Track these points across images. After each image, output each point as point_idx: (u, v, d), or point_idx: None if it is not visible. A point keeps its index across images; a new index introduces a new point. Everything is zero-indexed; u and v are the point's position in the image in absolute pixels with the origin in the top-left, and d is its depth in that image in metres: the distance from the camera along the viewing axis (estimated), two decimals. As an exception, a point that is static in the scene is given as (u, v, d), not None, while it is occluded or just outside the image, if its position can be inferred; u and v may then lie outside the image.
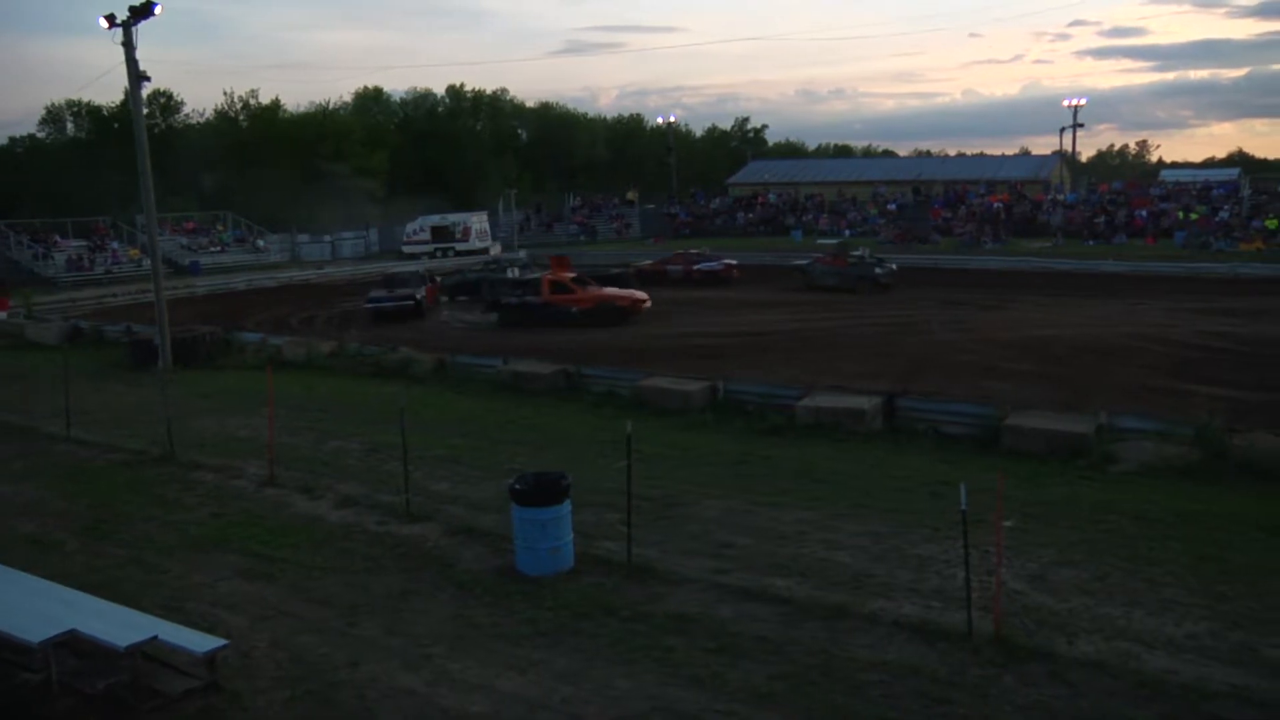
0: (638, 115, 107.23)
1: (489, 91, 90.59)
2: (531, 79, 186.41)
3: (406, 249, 55.67)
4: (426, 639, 8.36)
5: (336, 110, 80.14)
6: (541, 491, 9.59)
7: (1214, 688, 7.22)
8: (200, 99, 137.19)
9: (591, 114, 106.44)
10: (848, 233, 55.17)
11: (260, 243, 57.20)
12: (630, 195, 70.53)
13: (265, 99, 72.27)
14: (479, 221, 57.75)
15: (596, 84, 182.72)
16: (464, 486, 12.69)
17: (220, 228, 58.22)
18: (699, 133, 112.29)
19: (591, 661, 7.86)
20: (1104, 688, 7.27)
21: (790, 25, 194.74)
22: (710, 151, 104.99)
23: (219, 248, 55.40)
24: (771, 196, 67.56)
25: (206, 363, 23.09)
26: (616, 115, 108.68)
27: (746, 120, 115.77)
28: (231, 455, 14.51)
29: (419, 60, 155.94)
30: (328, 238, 59.20)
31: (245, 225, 58.58)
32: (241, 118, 71.98)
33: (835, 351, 22.82)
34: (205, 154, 62.39)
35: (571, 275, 30.22)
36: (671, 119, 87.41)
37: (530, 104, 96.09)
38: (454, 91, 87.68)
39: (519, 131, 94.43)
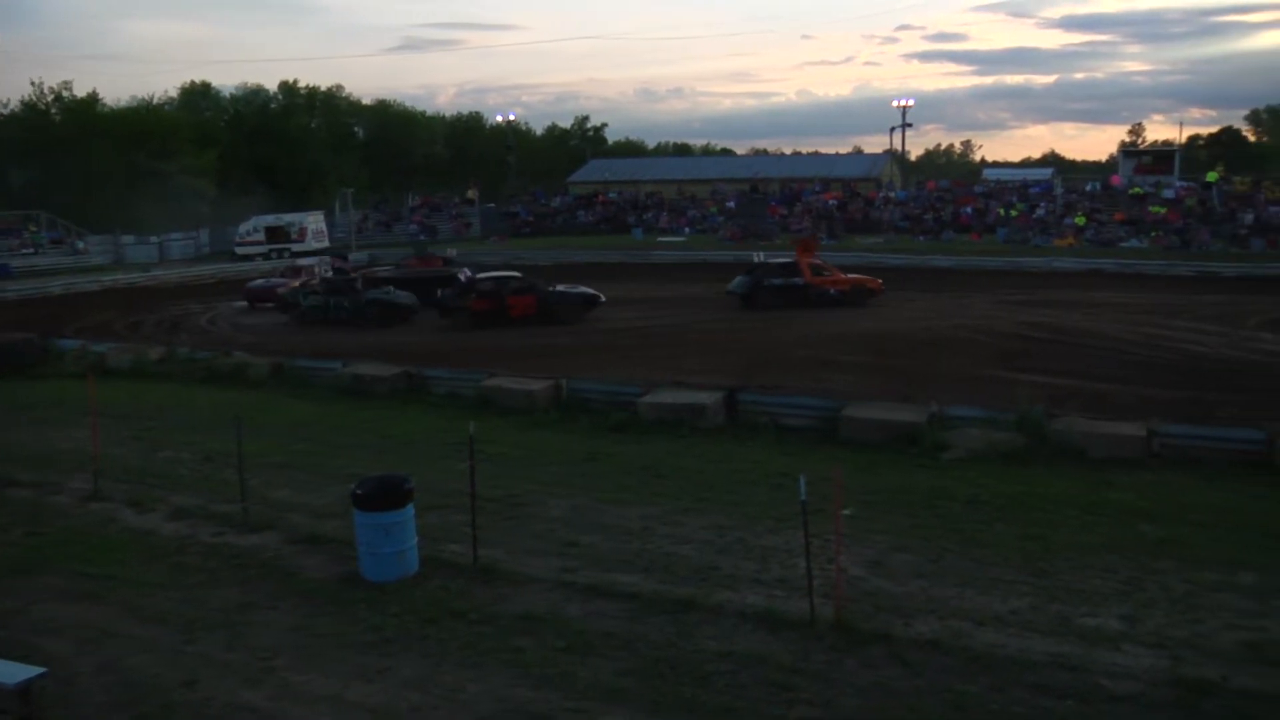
0: (477, 114, 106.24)
1: (324, 88, 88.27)
2: (368, 76, 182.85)
3: (240, 250, 53.73)
4: (268, 652, 8.10)
5: (161, 105, 76.72)
6: (384, 495, 9.42)
7: (1035, 658, 7.65)
8: (1, 89, 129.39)
9: (430, 112, 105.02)
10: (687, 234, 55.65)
11: (80, 244, 53.96)
12: (470, 194, 69.70)
13: (80, 91, 68.28)
14: (315, 221, 56.21)
15: (435, 82, 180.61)
16: (304, 493, 12.35)
17: (33, 228, 54.83)
18: (539, 131, 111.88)
19: (440, 666, 7.76)
20: (939, 665, 7.60)
21: (628, 24, 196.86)
22: (551, 150, 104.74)
23: (32, 249, 52.21)
24: (612, 195, 67.88)
25: (21, 372, 21.75)
26: (456, 113, 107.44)
27: (586, 119, 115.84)
28: (50, 469, 13.68)
29: (248, 54, 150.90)
30: (155, 239, 56.43)
31: (62, 226, 55.36)
32: (54, 111, 67.82)
33: (678, 348, 23.14)
34: (10, 148, 58.65)
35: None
36: (511, 117, 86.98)
37: (367, 101, 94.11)
38: (287, 88, 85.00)
39: (356, 130, 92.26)
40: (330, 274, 33.39)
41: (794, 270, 31.11)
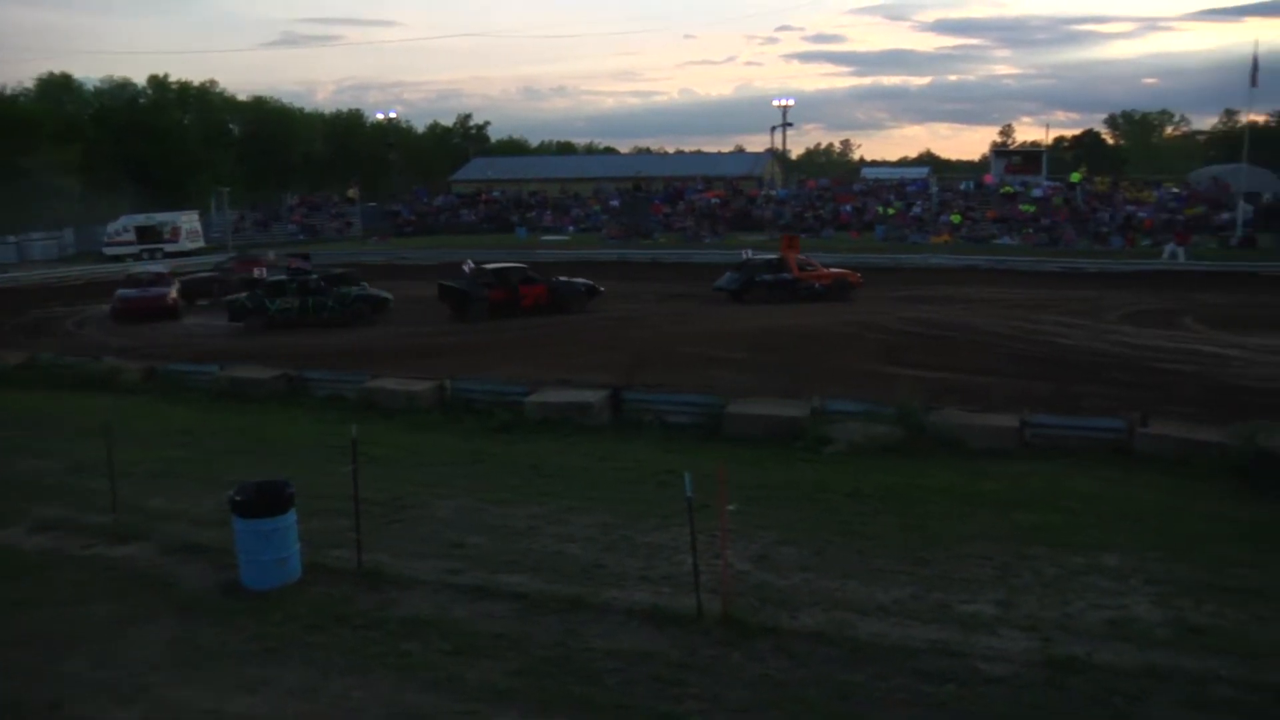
0: (357, 111, 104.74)
1: (197, 83, 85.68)
2: (244, 71, 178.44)
3: (109, 250, 51.77)
4: (143, 667, 7.81)
5: (16, 97, 73.40)
6: (264, 501, 9.18)
7: (916, 645, 7.85)
8: None
9: (309, 109, 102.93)
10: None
11: (-73, 244, 51.44)
12: (351, 193, 68.53)
13: (-81, 79, 64.67)
14: (189, 221, 54.55)
15: (313, 78, 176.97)
16: (181, 501, 11.96)
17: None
18: (421, 129, 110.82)
19: (325, 674, 7.61)
20: (824, 655, 7.74)
21: (511, 22, 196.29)
22: (433, 148, 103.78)
23: (-128, 250, 49.41)
24: (496, 194, 67.48)
25: None
26: (336, 111, 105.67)
27: (469, 117, 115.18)
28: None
29: (112, 46, 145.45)
30: (13, 239, 54.00)
31: (-93, 225, 52.51)
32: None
33: (562, 347, 23.11)
34: None
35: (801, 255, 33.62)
36: (392, 115, 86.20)
37: (243, 98, 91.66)
38: (157, 82, 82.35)
39: (231, 127, 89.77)
40: (265, 277, 31.30)
41: (782, 266, 32.35)
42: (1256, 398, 16.83)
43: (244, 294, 29.31)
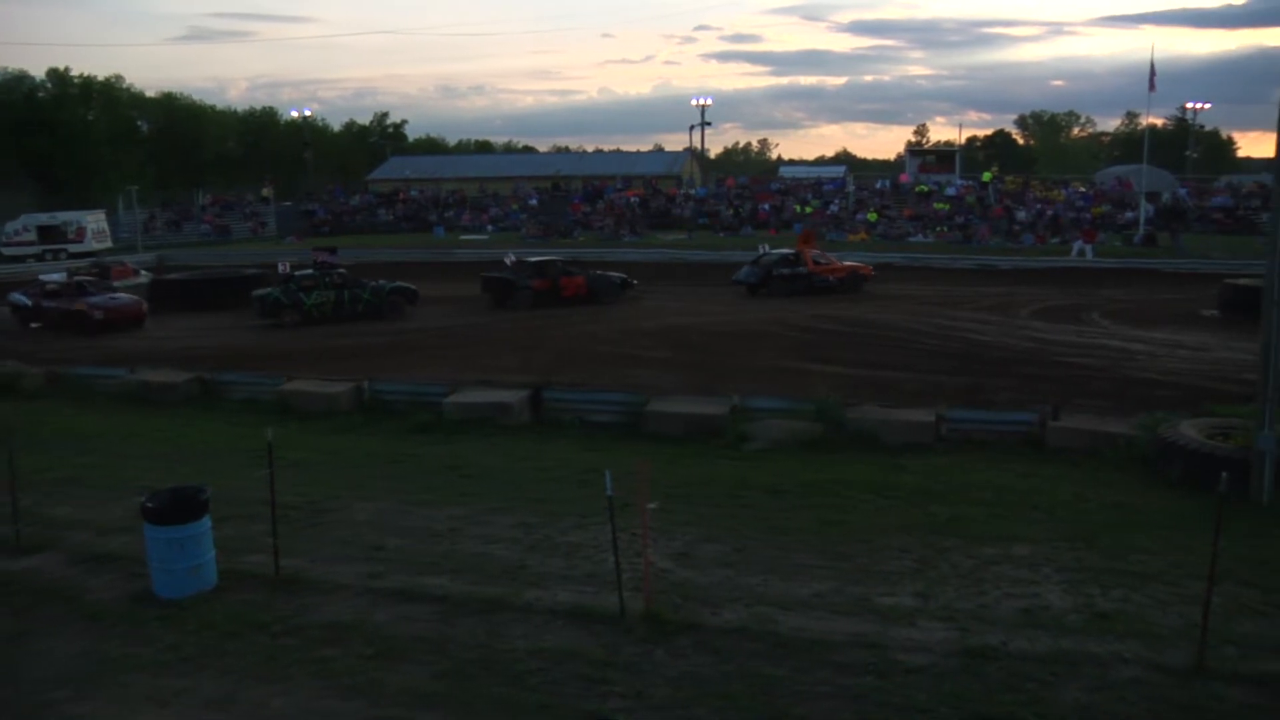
0: (271, 109, 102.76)
1: (101, 78, 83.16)
2: (150, 67, 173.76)
3: (8, 250, 50.02)
4: (48, 683, 7.54)
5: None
6: (178, 508, 8.97)
7: (837, 638, 7.96)
8: None
9: (221, 106, 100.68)
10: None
11: None
12: (265, 192, 67.21)
13: None
14: (95, 221, 52.87)
15: (225, 75, 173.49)
16: (89, 509, 11.61)
17: None
18: (337, 127, 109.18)
19: (242, 683, 7.46)
20: (746, 651, 7.81)
21: (427, 19, 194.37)
22: (349, 147, 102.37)
23: None
24: (414, 193, 66.77)
25: None
26: (249, 108, 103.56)
27: (386, 115, 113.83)
28: None
29: (4, 36, 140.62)
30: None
31: None
32: None
33: (482, 347, 22.97)
34: None
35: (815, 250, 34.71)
36: (307, 113, 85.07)
37: (151, 94, 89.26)
38: (57, 75, 79.54)
39: (139, 123, 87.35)
40: (290, 272, 29.92)
41: (798, 261, 33.30)
42: (1159, 390, 17.38)
43: (276, 289, 28.52)
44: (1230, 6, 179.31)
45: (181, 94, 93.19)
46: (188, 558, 8.94)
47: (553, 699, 7.16)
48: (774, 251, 34.93)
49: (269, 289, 28.81)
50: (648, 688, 7.28)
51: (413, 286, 30.10)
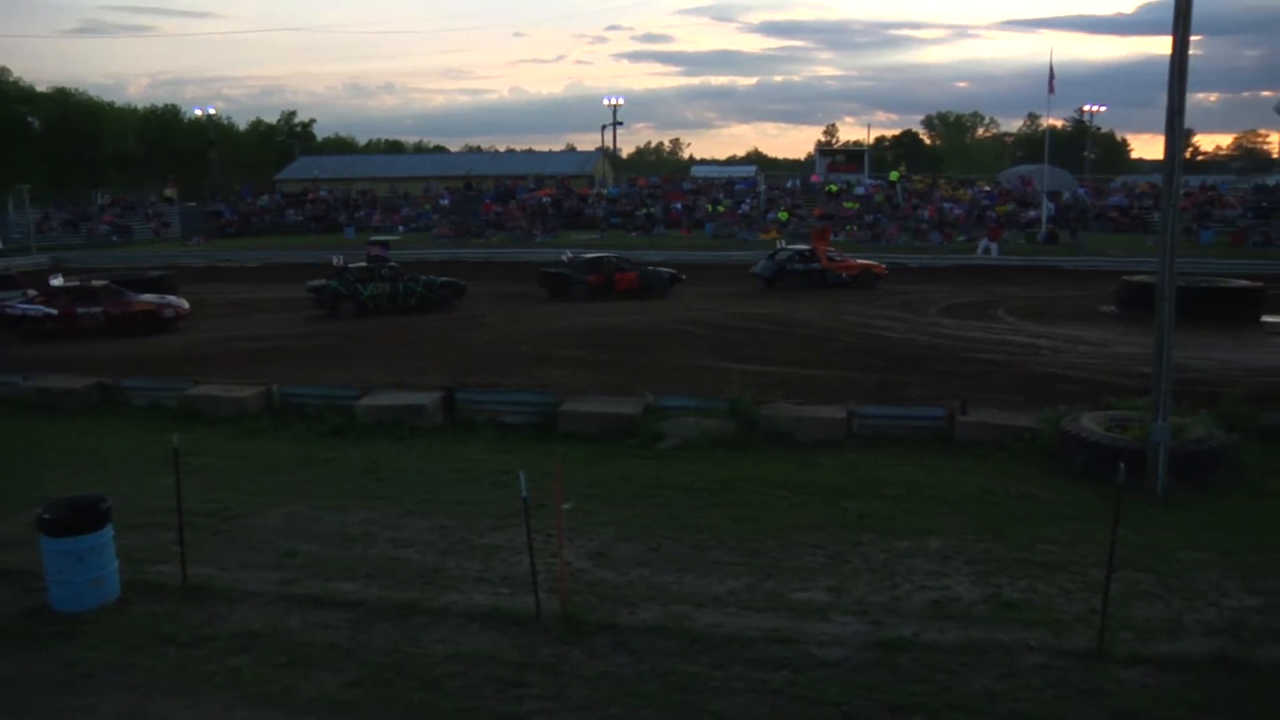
0: (173, 106, 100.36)
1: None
2: (41, 61, 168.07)
3: None
4: (-64, 708, 7.27)
5: None
6: (76, 518, 8.69)
7: (752, 634, 8.06)
8: None
9: (120, 103, 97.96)
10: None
11: None
12: (168, 192, 65.48)
13: None
14: None
15: (124, 70, 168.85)
16: (-19, 522, 11.21)
17: None
18: (243, 126, 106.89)
19: (148, 698, 7.27)
20: (662, 649, 7.86)
21: (336, 17, 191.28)
22: (256, 146, 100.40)
23: None
24: (323, 193, 65.72)
25: None
26: (150, 105, 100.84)
27: (294, 114, 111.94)
28: None
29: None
30: None
31: None
32: None
33: (394, 349, 22.67)
34: None
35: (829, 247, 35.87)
36: (211, 111, 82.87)
37: (43, 89, 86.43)
38: (-63, 68, 76.68)
39: (31, 120, 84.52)
40: (345, 264, 29.87)
41: (812, 257, 34.23)
42: (1061, 384, 17.86)
43: (334, 280, 28.63)
44: (1121, 15, 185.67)
45: (77, 90, 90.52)
46: (88, 570, 8.67)
47: (469, 703, 7.12)
48: (790, 247, 36.14)
49: (326, 280, 28.89)
50: (565, 689, 7.28)
51: (461, 281, 30.68)
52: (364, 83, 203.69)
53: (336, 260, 30.81)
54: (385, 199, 63.51)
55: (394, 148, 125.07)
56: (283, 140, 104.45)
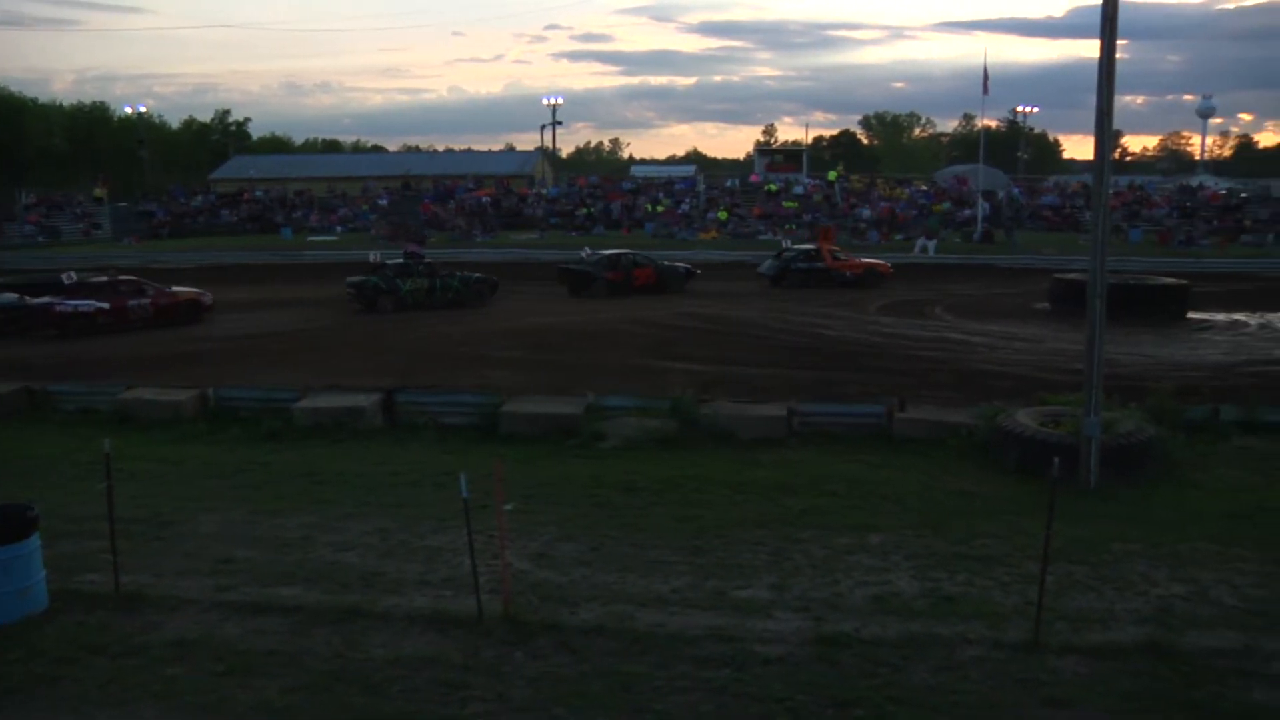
0: (102, 103, 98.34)
1: (-109, 63, 77.98)
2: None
3: None
4: None
5: None
6: (1, 527, 8.47)
7: (695, 633, 8.07)
8: None
9: (44, 100, 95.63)
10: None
11: None
12: (98, 192, 63.99)
13: None
14: None
15: (48, 66, 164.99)
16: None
17: None
18: (175, 125, 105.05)
19: (78, 711, 7.08)
20: (605, 649, 7.84)
21: (270, 14, 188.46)
22: (190, 145, 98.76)
23: None
24: (259, 193, 64.79)
25: None
26: (77, 102, 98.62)
27: (228, 113, 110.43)
28: None
29: None
30: None
31: None
32: None
33: (333, 350, 22.43)
34: None
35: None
36: (142, 109, 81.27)
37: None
38: None
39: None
40: (384, 261, 30.97)
41: (817, 256, 35.29)
42: (997, 380, 18.16)
43: (374, 276, 29.49)
44: (1051, 18, 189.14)
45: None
46: (13, 580, 8.43)
47: (411, 706, 7.05)
48: (796, 247, 37.20)
49: (366, 276, 29.71)
50: (508, 690, 7.24)
51: (494, 278, 31.85)
52: (300, 81, 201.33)
53: (374, 257, 31.95)
54: (322, 199, 62.78)
55: (331, 147, 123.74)
56: (217, 139, 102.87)
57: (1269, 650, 7.79)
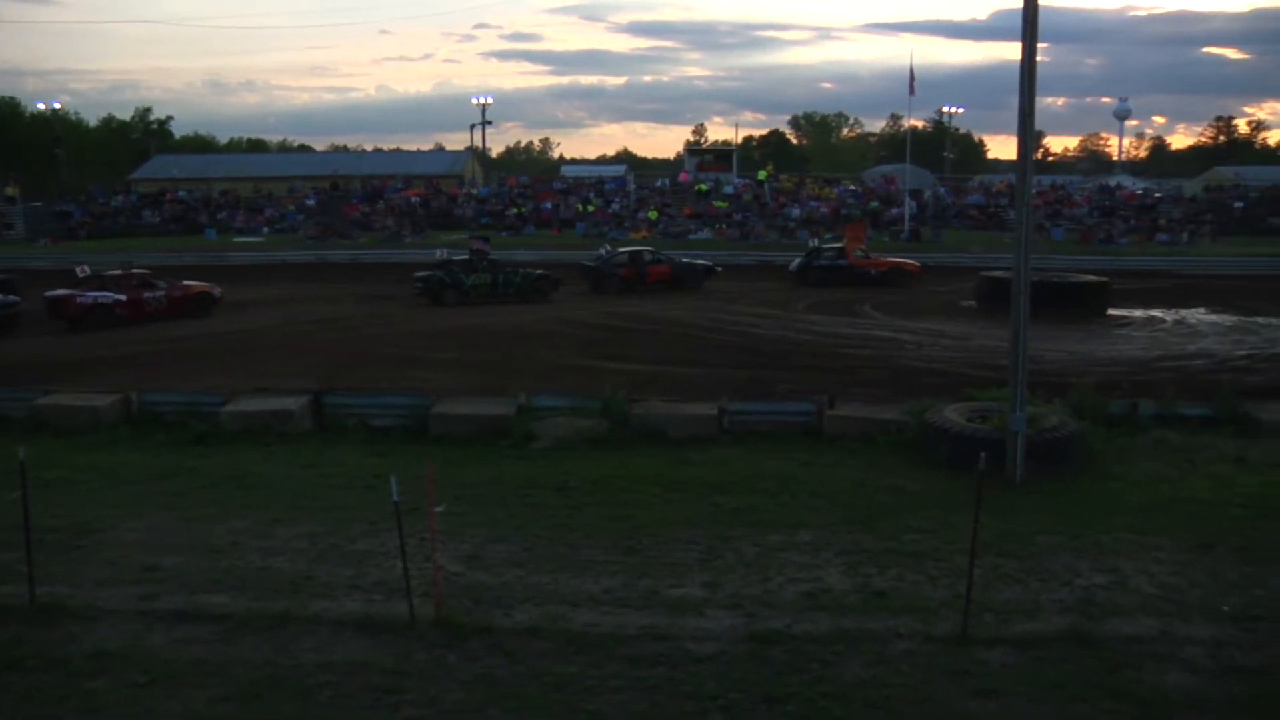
0: (13, 99, 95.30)
1: None
2: None
3: None
4: None
5: None
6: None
7: (628, 632, 8.10)
8: None
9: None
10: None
11: None
12: (10, 191, 62.05)
13: None
14: None
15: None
16: None
17: None
18: (93, 122, 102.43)
19: (-7, 727, 6.90)
20: (538, 650, 7.84)
21: (191, 10, 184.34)
22: (109, 144, 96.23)
23: None
24: (182, 193, 63.42)
25: None
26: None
27: (149, 111, 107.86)
28: None
29: None
30: None
31: None
32: None
33: (261, 353, 22.05)
34: None
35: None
36: (56, 106, 78.87)
37: None
38: None
39: None
40: (449, 257, 32.65)
41: (844, 254, 35.50)
42: (925, 377, 18.43)
43: (439, 271, 30.79)
44: (975, 20, 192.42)
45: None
46: (-74, 592, 8.17)
47: (343, 713, 6.99)
48: (826, 246, 37.92)
49: (432, 271, 30.99)
50: (441, 694, 7.20)
51: (555, 275, 32.12)
52: (224, 79, 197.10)
53: (440, 254, 33.63)
54: (248, 199, 61.61)
55: (257, 146, 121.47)
56: (138, 138, 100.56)
57: (1182, 635, 8.07)
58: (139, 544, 10.28)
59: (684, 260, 35.12)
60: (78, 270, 27.92)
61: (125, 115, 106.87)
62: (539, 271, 32.15)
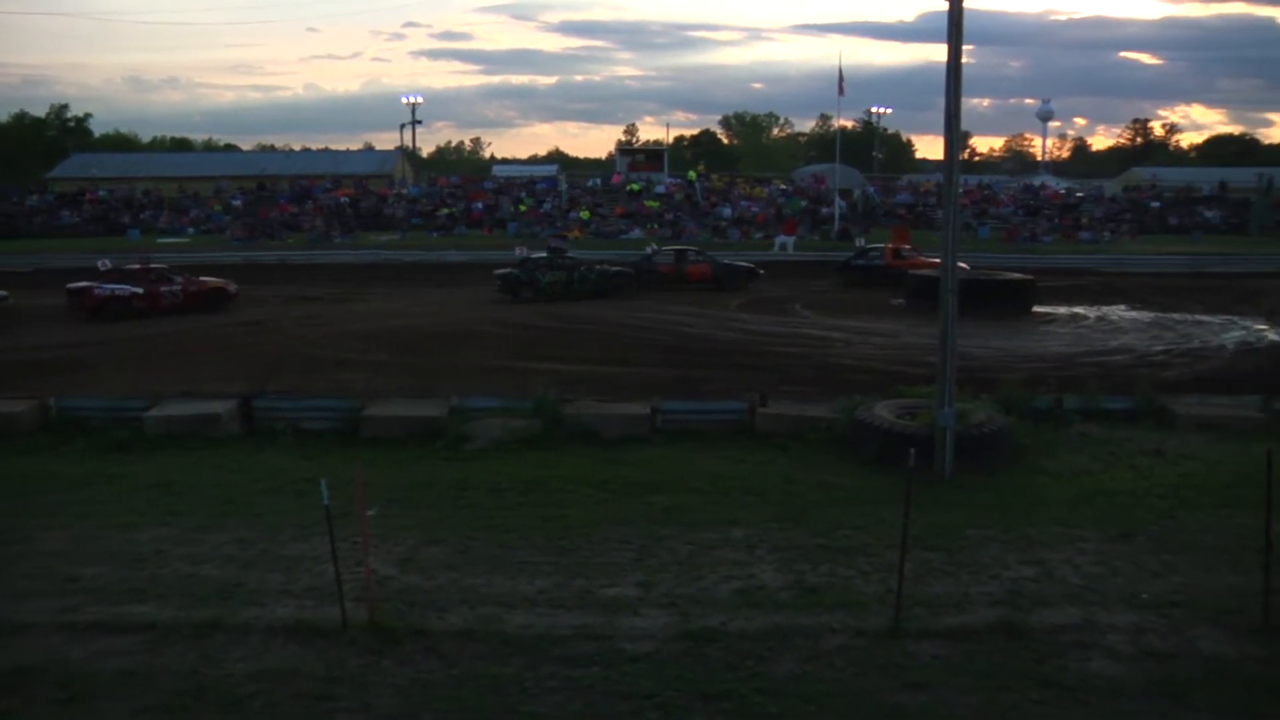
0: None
1: None
2: None
3: None
4: None
5: None
6: None
7: (562, 633, 8.08)
8: None
9: None
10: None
11: None
12: (-85, 191, 60.20)
13: None
14: None
15: None
16: None
17: None
18: (5, 119, 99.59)
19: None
20: (473, 652, 7.79)
21: (110, 4, 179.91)
22: (22, 141, 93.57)
23: None
24: (102, 193, 61.96)
25: None
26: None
27: (65, 108, 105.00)
28: None
29: None
30: None
31: None
32: None
33: (187, 356, 21.62)
34: None
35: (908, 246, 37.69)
36: (-34, 103, 76.58)
37: None
38: None
39: None
40: (527, 255, 33.64)
41: (884, 254, 36.39)
42: (855, 374, 18.65)
43: (516, 269, 31.44)
44: (902, 22, 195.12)
45: None
46: None
47: (273, 721, 6.86)
48: (871, 247, 39.19)
49: (510, 269, 31.60)
50: (375, 699, 7.12)
51: (631, 272, 32.76)
52: (146, 76, 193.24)
53: (519, 252, 34.67)
54: (173, 199, 60.42)
55: (181, 145, 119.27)
56: (54, 136, 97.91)
57: (1105, 623, 8.28)
58: (58, 554, 9.99)
59: (725, 261, 35.60)
60: (99, 264, 28.74)
61: (40, 112, 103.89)
62: (615, 269, 32.64)
